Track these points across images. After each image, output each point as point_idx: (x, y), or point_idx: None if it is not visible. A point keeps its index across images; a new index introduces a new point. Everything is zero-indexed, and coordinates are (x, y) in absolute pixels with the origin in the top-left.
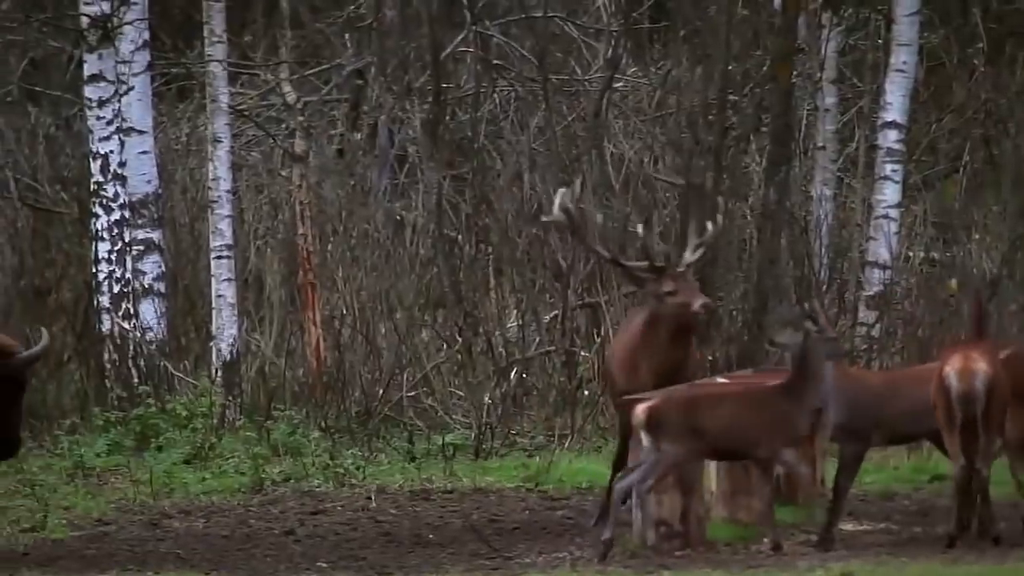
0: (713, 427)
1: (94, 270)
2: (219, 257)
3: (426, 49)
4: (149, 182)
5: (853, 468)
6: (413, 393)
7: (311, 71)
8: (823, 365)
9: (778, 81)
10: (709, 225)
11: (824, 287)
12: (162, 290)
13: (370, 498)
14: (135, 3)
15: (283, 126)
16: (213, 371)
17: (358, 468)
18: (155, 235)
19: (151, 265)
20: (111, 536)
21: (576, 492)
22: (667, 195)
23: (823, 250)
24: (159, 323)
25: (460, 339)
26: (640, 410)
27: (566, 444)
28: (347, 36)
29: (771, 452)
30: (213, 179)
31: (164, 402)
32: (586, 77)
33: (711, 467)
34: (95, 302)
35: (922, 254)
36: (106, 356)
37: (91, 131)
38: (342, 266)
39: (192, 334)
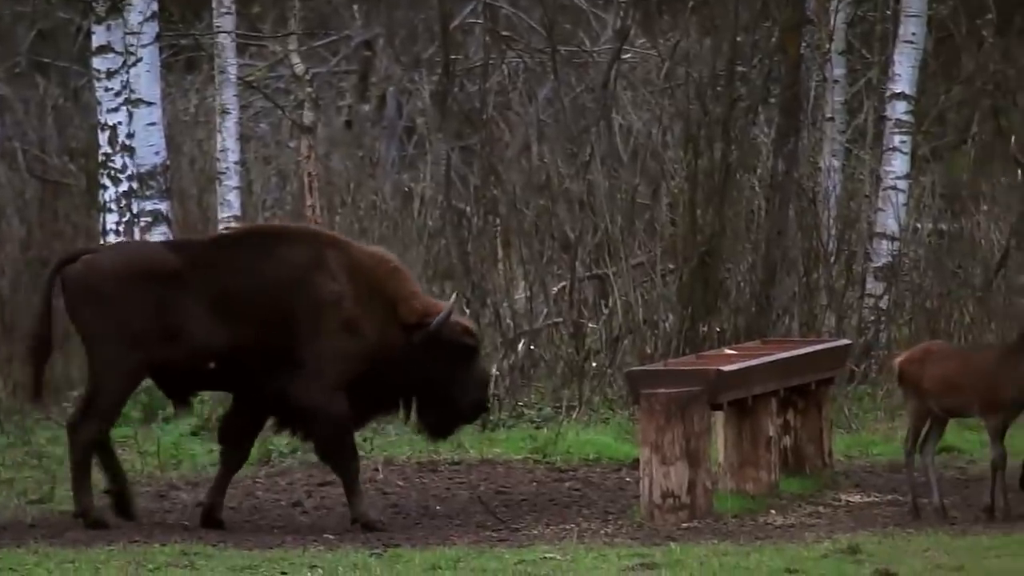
0: None
1: (102, 241)
2: (227, 228)
3: (434, 20)
4: (157, 153)
5: None
6: None
7: (320, 42)
8: None
9: (787, 52)
10: None
11: (832, 258)
12: None
13: (377, 469)
14: None
15: (291, 97)
16: None
17: (365, 440)
18: (163, 206)
19: (159, 236)
20: None
21: (583, 464)
22: (675, 167)
23: (831, 221)
24: None
25: (468, 310)
26: None
27: (574, 416)
28: (356, 7)
29: None
30: (221, 150)
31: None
32: (595, 48)
33: (719, 439)
34: None
35: (930, 226)
36: None
37: (99, 102)
38: (350, 237)
39: None
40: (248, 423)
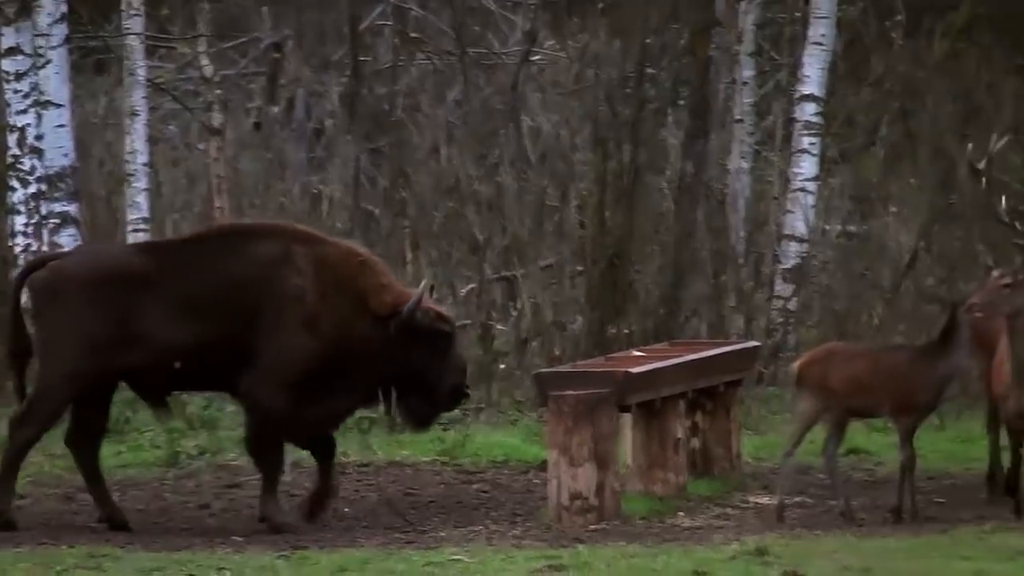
0: None
1: (10, 243)
2: (136, 230)
3: (343, 22)
4: (66, 155)
5: None
6: None
7: (228, 44)
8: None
9: (696, 54)
10: None
11: (741, 260)
12: None
13: (285, 471)
14: None
15: (200, 99)
16: None
17: None
18: (72, 208)
19: (68, 238)
20: (26, 510)
21: (492, 466)
22: (584, 169)
23: (740, 223)
24: None
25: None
26: None
27: (482, 418)
28: (264, 9)
29: None
30: (130, 152)
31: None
32: (504, 50)
33: (627, 441)
34: (10, 276)
35: (839, 227)
36: None
37: (8, 104)
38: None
39: None
40: None
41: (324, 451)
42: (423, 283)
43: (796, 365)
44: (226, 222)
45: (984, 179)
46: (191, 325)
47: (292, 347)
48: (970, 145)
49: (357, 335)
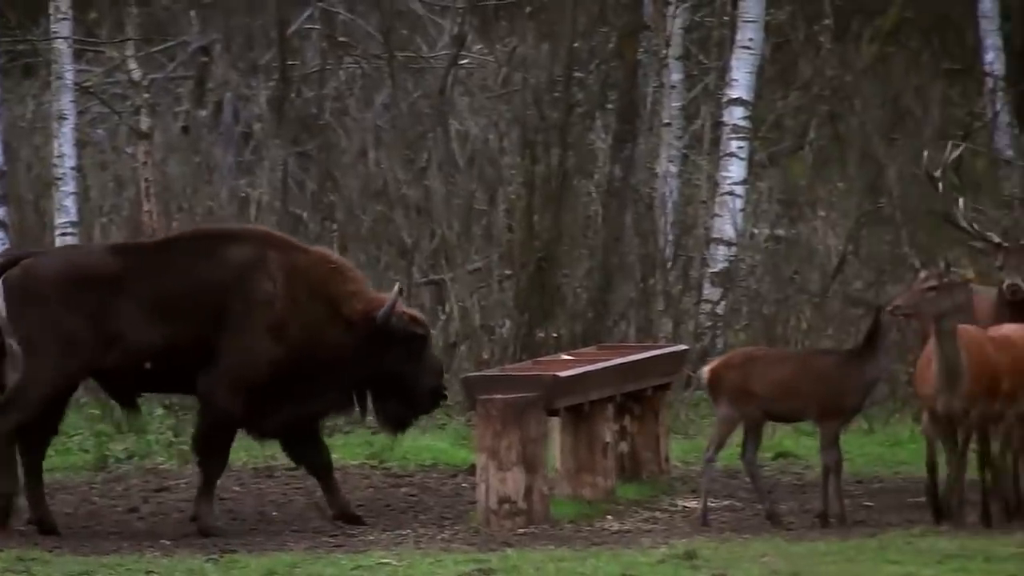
0: None
1: None
2: (64, 234)
3: (271, 26)
4: None
5: None
6: None
7: (156, 48)
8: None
9: (624, 58)
10: None
11: (669, 264)
12: None
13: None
14: None
15: (128, 103)
16: None
17: None
18: (0, 212)
19: None
20: None
21: (420, 470)
22: (512, 173)
23: (668, 227)
24: None
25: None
26: None
27: None
28: (192, 13)
29: None
30: (58, 156)
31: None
32: (432, 54)
33: (556, 445)
34: None
35: (767, 231)
36: None
37: None
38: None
39: None
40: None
41: (320, 466)
42: (395, 288)
43: (707, 371)
44: (202, 225)
45: (940, 185)
46: (162, 326)
47: (254, 351)
48: (926, 152)
49: (329, 341)
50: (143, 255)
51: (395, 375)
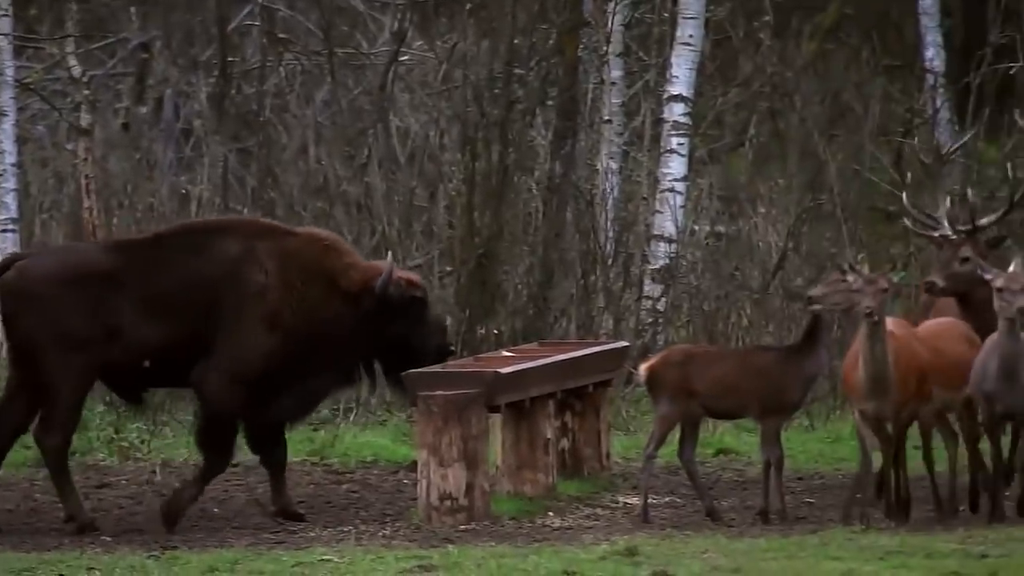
0: None
1: None
2: (4, 231)
3: (211, 22)
4: None
5: None
6: None
7: (97, 45)
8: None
9: (564, 54)
10: None
11: (610, 261)
12: None
13: (155, 472)
14: None
15: (69, 99)
16: None
17: (143, 442)
18: None
19: None
20: None
21: (361, 466)
22: (453, 169)
23: (609, 224)
24: None
25: None
26: None
27: (351, 418)
28: (133, 9)
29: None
30: None
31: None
32: (372, 51)
33: (497, 441)
34: None
35: (708, 228)
36: None
37: None
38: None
39: None
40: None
41: (276, 460)
42: (389, 257)
43: (645, 369)
44: (191, 220)
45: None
46: (159, 323)
47: (249, 346)
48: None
49: (331, 316)
50: (137, 251)
51: (401, 341)
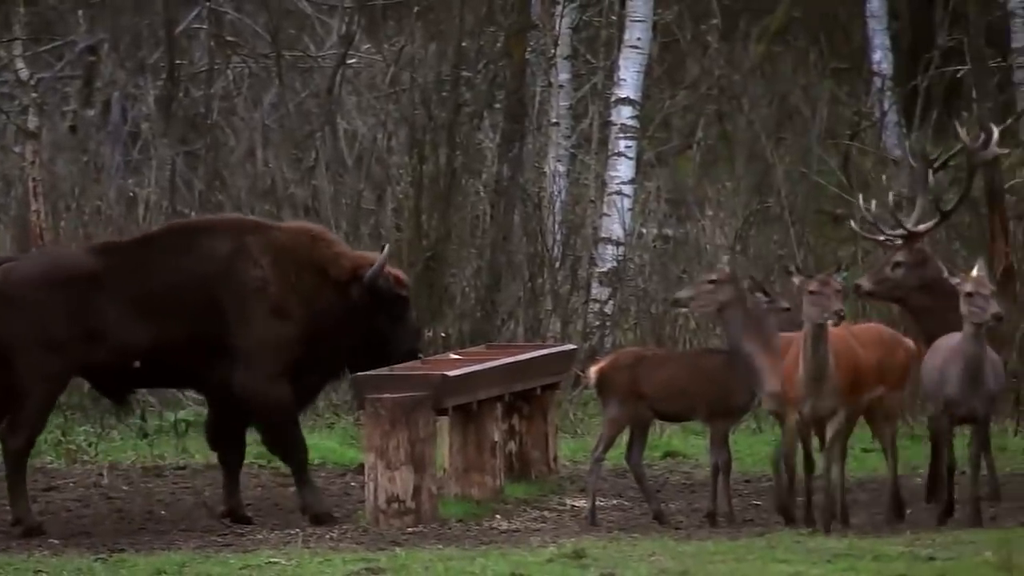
0: None
1: None
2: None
3: (159, 25)
4: None
5: None
6: None
7: (44, 47)
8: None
9: (512, 57)
10: None
11: (557, 264)
12: None
13: (102, 475)
14: None
15: (16, 102)
16: None
17: (90, 445)
18: None
19: None
20: None
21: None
22: (400, 172)
23: (556, 226)
24: None
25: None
26: None
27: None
28: (80, 12)
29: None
30: None
31: None
32: (320, 54)
33: (444, 444)
34: None
35: (655, 231)
36: None
37: None
38: (75, 243)
39: None
40: (230, 420)
41: (234, 459)
42: (385, 249)
43: (594, 371)
44: (179, 220)
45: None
46: (148, 324)
47: (269, 340)
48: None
49: (325, 306)
50: (124, 254)
51: (378, 338)
